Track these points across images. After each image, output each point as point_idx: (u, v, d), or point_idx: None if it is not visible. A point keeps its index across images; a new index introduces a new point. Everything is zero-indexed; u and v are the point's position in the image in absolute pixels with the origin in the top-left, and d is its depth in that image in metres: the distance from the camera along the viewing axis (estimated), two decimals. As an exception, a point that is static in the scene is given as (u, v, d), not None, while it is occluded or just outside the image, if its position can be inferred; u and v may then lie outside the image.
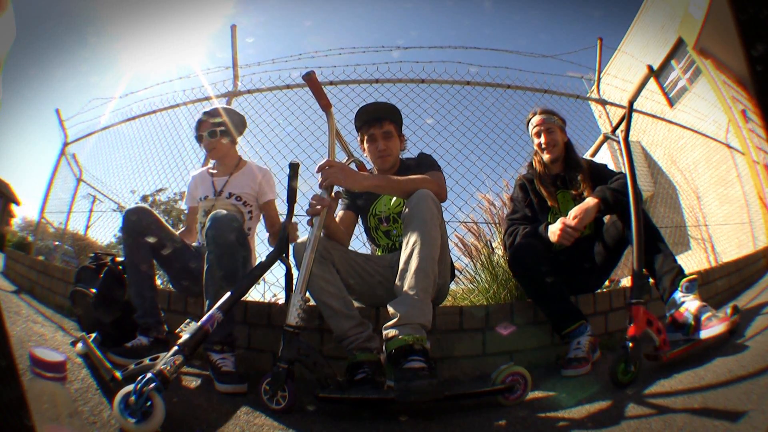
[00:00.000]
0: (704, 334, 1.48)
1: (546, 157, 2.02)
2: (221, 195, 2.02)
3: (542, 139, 2.01)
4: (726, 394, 1.14)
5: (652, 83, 8.39)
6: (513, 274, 2.02)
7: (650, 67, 1.61)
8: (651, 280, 1.72)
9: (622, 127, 1.68)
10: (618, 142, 1.68)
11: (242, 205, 2.03)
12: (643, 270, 1.49)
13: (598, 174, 1.97)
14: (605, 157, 7.45)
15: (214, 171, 2.13)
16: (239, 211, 1.98)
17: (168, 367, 1.14)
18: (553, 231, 1.78)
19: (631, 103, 1.67)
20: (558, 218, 1.83)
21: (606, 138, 1.86)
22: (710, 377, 1.28)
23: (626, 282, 3.40)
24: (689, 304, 1.57)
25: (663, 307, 1.68)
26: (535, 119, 2.05)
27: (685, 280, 1.62)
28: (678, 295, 1.61)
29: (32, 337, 1.83)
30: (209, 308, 1.56)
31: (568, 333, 1.68)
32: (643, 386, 1.29)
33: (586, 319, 1.70)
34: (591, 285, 2.03)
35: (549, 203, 1.98)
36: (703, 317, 1.51)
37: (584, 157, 2.13)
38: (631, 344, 1.34)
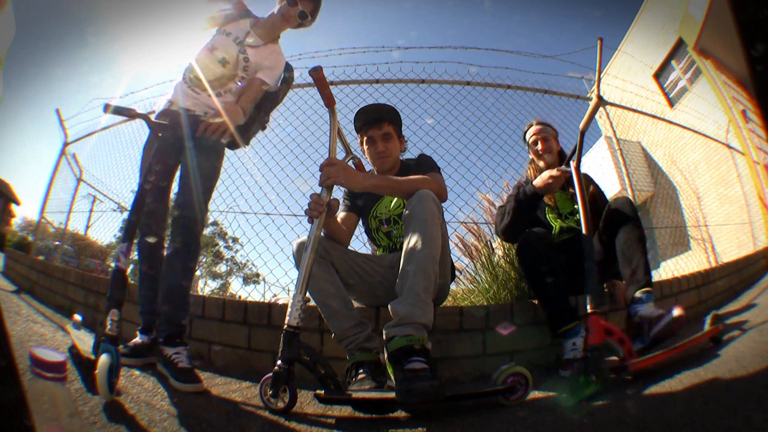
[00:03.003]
0: (654, 330, 1.53)
1: (541, 163, 2.13)
2: (240, 45, 1.89)
3: (539, 146, 2.13)
4: (726, 394, 1.14)
5: (652, 83, 8.40)
6: (519, 263, 2.04)
7: (600, 97, 1.66)
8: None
9: (575, 157, 1.68)
10: (570, 173, 1.68)
11: (244, 65, 1.90)
12: (598, 282, 1.48)
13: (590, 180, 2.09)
14: (605, 158, 7.46)
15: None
16: (234, 73, 1.87)
17: (110, 327, 1.29)
18: (542, 178, 1.86)
19: (582, 134, 1.67)
20: (554, 215, 2.03)
21: (563, 170, 1.84)
22: (710, 377, 1.28)
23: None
24: (642, 310, 1.62)
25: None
26: (533, 129, 2.18)
27: (639, 291, 1.66)
28: (635, 305, 1.66)
29: (32, 337, 1.83)
30: (164, 289, 1.67)
31: (563, 332, 1.69)
32: (643, 386, 1.29)
33: (580, 320, 1.70)
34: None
35: (546, 200, 2.06)
36: (654, 315, 1.56)
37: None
38: (590, 354, 1.31)
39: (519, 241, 1.89)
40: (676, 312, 1.50)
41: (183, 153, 1.76)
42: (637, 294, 1.66)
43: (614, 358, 1.40)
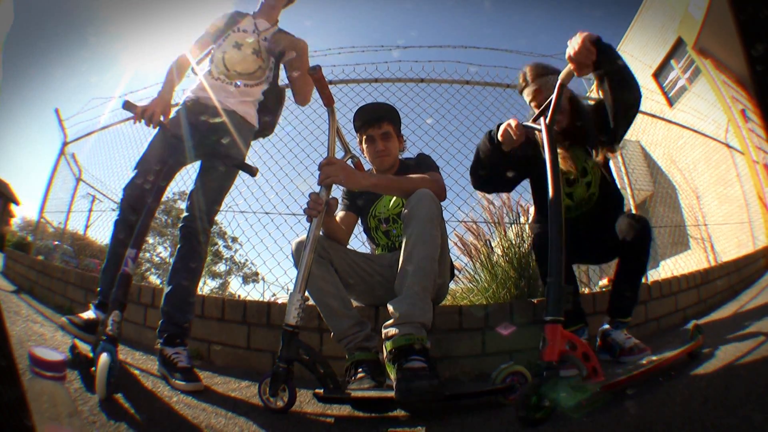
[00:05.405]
0: (633, 359, 1.55)
1: (555, 128, 1.67)
2: (261, 35, 1.95)
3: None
4: (726, 394, 1.14)
5: (651, 83, 8.40)
6: (535, 258, 1.92)
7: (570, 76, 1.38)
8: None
9: (549, 113, 1.39)
10: (540, 131, 1.38)
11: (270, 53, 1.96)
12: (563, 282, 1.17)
13: (603, 111, 1.57)
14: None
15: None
16: (263, 58, 1.94)
17: (111, 327, 1.32)
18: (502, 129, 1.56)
19: (562, 86, 1.38)
20: (566, 178, 1.74)
21: (526, 126, 1.51)
22: (710, 377, 1.28)
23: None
24: (615, 335, 1.68)
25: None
26: (531, 89, 1.73)
27: (619, 318, 1.70)
28: (608, 328, 1.72)
29: (32, 337, 1.83)
30: (167, 290, 1.65)
31: None
32: (643, 387, 1.29)
33: (586, 323, 1.70)
34: (602, 255, 1.89)
35: (563, 167, 1.72)
36: (627, 346, 1.62)
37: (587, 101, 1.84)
38: (545, 372, 1.07)
39: (534, 237, 1.80)
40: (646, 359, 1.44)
41: (197, 154, 1.78)
42: (616, 319, 1.71)
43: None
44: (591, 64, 1.32)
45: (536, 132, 1.51)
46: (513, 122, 1.52)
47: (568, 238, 1.24)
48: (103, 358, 1.20)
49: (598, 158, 1.71)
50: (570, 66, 1.34)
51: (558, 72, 1.56)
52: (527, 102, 1.78)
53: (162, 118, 1.71)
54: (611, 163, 1.90)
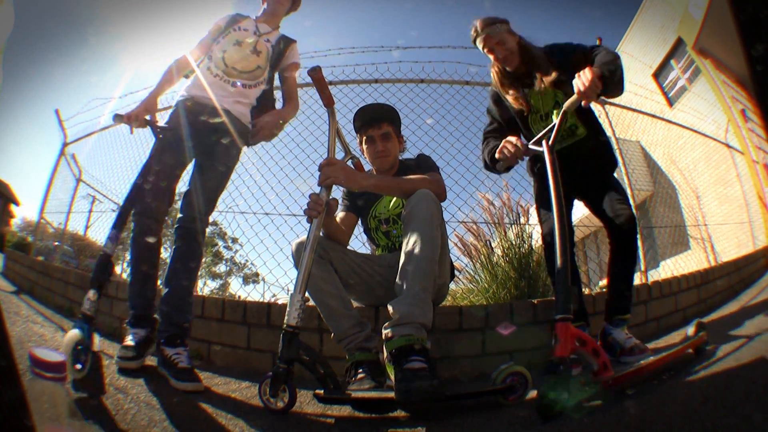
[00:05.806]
0: (633, 359, 1.55)
1: (509, 68, 1.86)
2: (262, 36, 1.97)
3: (499, 54, 1.81)
4: (726, 394, 1.14)
5: (651, 83, 8.40)
6: (544, 257, 1.98)
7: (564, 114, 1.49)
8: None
9: (552, 135, 1.48)
10: (542, 153, 1.47)
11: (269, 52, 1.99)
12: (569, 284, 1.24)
13: (561, 53, 1.77)
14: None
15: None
16: (262, 58, 1.94)
17: (87, 306, 1.35)
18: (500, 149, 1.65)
19: (565, 113, 1.49)
20: (540, 125, 1.80)
21: (527, 148, 1.60)
22: (710, 377, 1.28)
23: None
24: (615, 334, 1.68)
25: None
26: (481, 40, 1.82)
27: (618, 316, 1.70)
28: (610, 326, 1.71)
29: (32, 338, 1.83)
30: (166, 291, 1.67)
31: None
32: (643, 386, 1.29)
33: (588, 322, 1.70)
34: (591, 196, 1.85)
35: (520, 108, 1.83)
36: (627, 345, 1.63)
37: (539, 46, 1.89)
38: (562, 367, 1.13)
39: (544, 235, 1.84)
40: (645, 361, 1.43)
41: (194, 154, 1.79)
42: (615, 317, 1.70)
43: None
44: (596, 96, 1.47)
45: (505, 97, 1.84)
46: (513, 138, 1.61)
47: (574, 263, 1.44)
48: (72, 332, 1.20)
49: (546, 80, 1.76)
50: (577, 96, 1.46)
51: (505, 21, 1.82)
52: (481, 49, 1.87)
53: (149, 117, 1.73)
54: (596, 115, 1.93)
